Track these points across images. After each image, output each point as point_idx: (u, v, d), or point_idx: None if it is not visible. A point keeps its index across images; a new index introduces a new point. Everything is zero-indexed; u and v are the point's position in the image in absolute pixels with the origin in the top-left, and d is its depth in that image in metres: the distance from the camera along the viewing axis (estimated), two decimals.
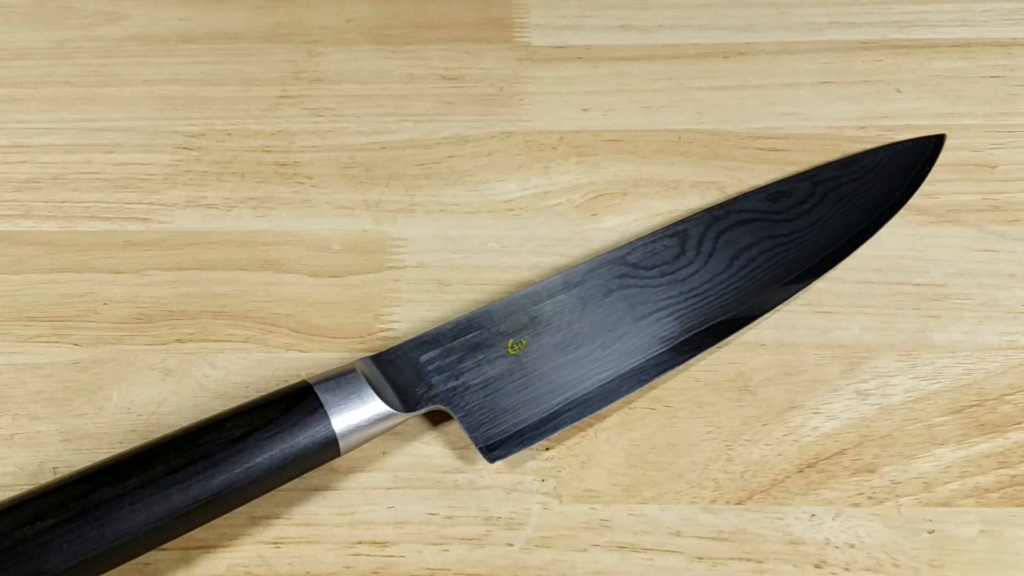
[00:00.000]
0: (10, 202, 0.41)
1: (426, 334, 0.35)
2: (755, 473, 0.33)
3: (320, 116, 0.44)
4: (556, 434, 0.33)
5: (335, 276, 0.39)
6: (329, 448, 0.31)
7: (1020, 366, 0.36)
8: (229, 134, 0.43)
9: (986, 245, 0.39)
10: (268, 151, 0.43)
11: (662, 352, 0.35)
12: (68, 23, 0.48)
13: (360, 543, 0.32)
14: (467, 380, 0.34)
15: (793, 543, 0.32)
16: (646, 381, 0.34)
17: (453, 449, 0.34)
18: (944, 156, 0.42)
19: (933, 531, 0.32)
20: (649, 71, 0.46)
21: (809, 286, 0.37)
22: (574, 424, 0.33)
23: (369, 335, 0.37)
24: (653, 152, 0.43)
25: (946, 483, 0.33)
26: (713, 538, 0.32)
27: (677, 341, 0.35)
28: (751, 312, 0.36)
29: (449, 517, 0.33)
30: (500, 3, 0.49)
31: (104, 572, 0.29)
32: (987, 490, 0.33)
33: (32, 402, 0.35)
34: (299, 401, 0.31)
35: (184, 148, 0.43)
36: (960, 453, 0.34)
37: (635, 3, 0.49)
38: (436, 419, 0.35)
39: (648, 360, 0.35)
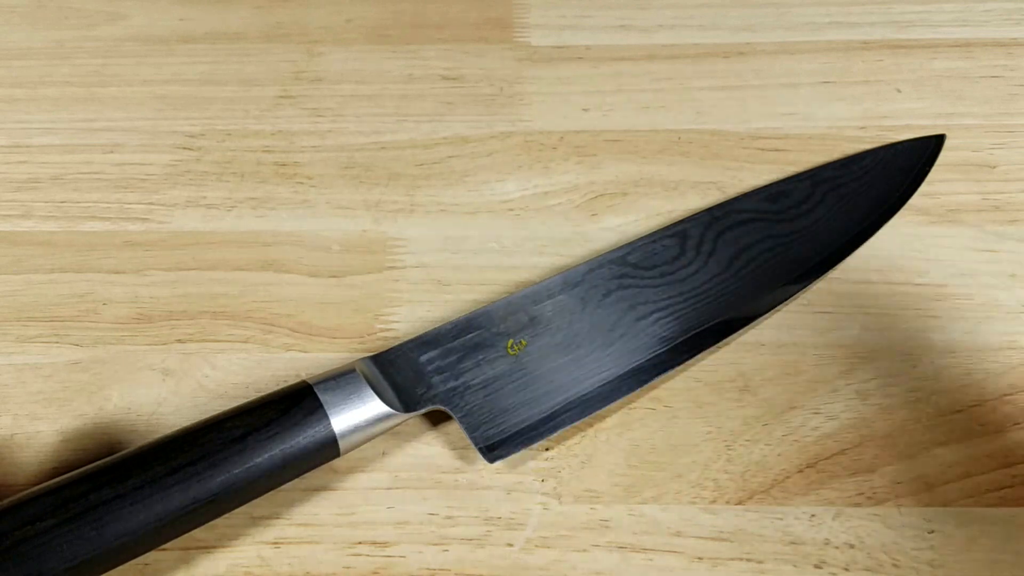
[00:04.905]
0: (10, 202, 0.41)
1: (426, 334, 0.35)
2: (755, 473, 0.33)
3: (320, 116, 0.44)
4: (556, 434, 0.33)
5: (335, 276, 0.39)
6: (329, 448, 0.31)
7: (1020, 366, 0.36)
8: (229, 134, 0.43)
9: (986, 245, 0.39)
10: (268, 151, 0.43)
11: (662, 352, 0.35)
12: (68, 23, 0.48)
13: (360, 543, 0.32)
14: (467, 380, 0.34)
15: (793, 543, 0.32)
16: (646, 381, 0.34)
17: (453, 449, 0.34)
18: (944, 156, 0.42)
19: (933, 531, 0.32)
20: (649, 71, 0.46)
21: (809, 286, 0.37)
22: (574, 424, 0.33)
23: (369, 335, 0.37)
24: (653, 152, 0.43)
25: (946, 483, 0.33)
26: (713, 538, 0.32)
27: (677, 341, 0.35)
28: (751, 312, 0.36)
29: (449, 517, 0.33)
30: (500, 3, 0.49)
31: (104, 572, 0.29)
32: (987, 490, 0.33)
33: (32, 402, 0.35)
34: (299, 401, 0.31)
35: (184, 148, 0.43)
36: (960, 453, 0.34)
37: (635, 3, 0.49)
38: (436, 419, 0.35)
39: (648, 360, 0.35)
